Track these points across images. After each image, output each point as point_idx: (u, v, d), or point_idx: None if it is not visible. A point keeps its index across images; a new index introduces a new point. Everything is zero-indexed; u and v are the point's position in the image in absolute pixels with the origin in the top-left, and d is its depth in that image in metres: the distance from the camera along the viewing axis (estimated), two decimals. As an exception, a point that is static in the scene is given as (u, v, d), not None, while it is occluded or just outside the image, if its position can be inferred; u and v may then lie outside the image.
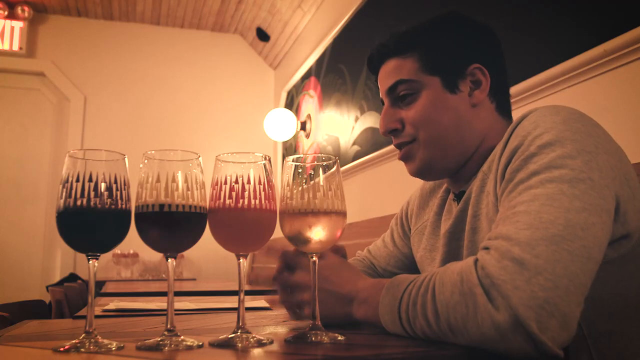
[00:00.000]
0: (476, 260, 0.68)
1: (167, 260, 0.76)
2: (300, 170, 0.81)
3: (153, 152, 0.76)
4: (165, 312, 0.76)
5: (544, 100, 1.64)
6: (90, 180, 0.72)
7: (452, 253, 0.98)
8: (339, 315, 0.88)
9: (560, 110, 0.81)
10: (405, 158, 1.04)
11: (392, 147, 2.63)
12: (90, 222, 0.72)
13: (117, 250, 4.36)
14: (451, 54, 1.00)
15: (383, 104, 1.06)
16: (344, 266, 0.92)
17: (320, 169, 0.80)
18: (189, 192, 0.75)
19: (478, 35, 1.03)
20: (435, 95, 0.98)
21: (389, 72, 1.03)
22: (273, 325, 0.99)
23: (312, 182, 0.79)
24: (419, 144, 1.00)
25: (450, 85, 0.98)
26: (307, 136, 4.12)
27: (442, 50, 1.00)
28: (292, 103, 4.64)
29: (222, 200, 0.76)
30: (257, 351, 0.70)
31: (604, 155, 0.76)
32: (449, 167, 1.01)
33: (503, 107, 1.02)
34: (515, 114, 1.04)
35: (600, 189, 0.72)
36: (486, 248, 0.70)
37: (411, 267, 1.21)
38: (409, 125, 1.00)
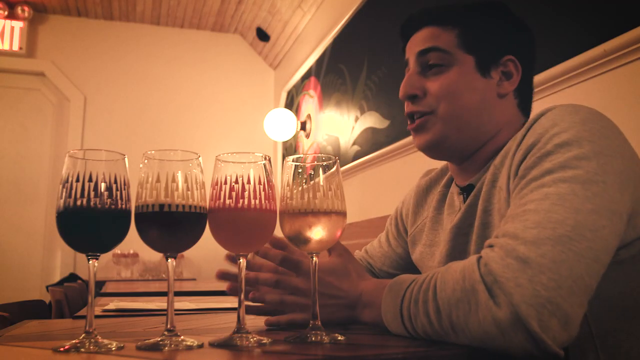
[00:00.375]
0: (479, 258, 0.68)
1: (167, 260, 0.76)
2: (300, 170, 0.81)
3: (153, 152, 0.75)
4: (165, 312, 0.76)
5: (544, 100, 1.64)
6: (90, 180, 0.72)
7: (459, 248, 0.96)
8: (342, 320, 0.89)
9: (580, 109, 0.81)
10: (418, 129, 1.00)
11: (392, 147, 2.63)
12: (90, 222, 0.72)
13: (117, 250, 4.36)
14: (491, 38, 0.99)
15: (406, 66, 1.04)
16: (346, 269, 0.91)
17: (320, 169, 0.80)
18: (189, 192, 0.75)
19: (518, 31, 1.02)
20: (465, 73, 0.97)
21: (425, 38, 1.00)
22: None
23: (312, 182, 0.79)
24: (436, 117, 0.97)
25: (482, 68, 0.97)
26: (307, 136, 4.12)
27: (483, 32, 0.99)
28: (292, 103, 4.64)
29: (222, 200, 0.76)
30: (257, 351, 0.70)
31: (619, 158, 0.75)
32: (459, 148, 0.99)
33: (525, 105, 1.02)
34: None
35: (613, 192, 0.71)
36: (490, 246, 0.70)
37: (406, 267, 1.20)
38: (432, 96, 0.97)
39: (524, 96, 1.02)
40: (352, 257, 0.94)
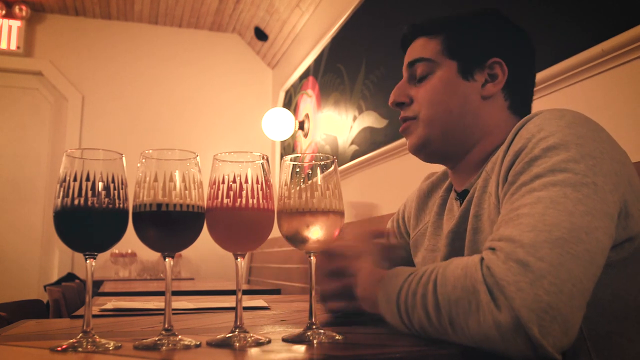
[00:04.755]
0: (482, 259, 0.68)
1: (164, 259, 0.76)
2: (298, 170, 0.81)
3: (151, 151, 0.75)
4: (163, 312, 0.76)
5: (543, 99, 1.64)
6: (87, 179, 0.72)
7: (455, 253, 0.97)
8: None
9: (565, 113, 0.81)
10: (404, 132, 1.06)
11: (390, 146, 2.63)
12: (87, 221, 0.72)
13: (115, 249, 4.35)
14: (474, 42, 1.01)
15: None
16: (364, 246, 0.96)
17: (318, 168, 0.80)
18: (187, 192, 0.75)
19: (508, 33, 1.03)
20: (447, 78, 1.00)
21: (415, 49, 1.05)
22: (271, 324, 0.99)
23: (310, 182, 0.79)
24: (418, 121, 1.02)
25: (465, 72, 1.00)
26: (305, 136, 4.11)
27: (466, 37, 1.02)
28: (290, 102, 4.64)
29: (219, 199, 0.76)
30: (254, 351, 0.70)
31: (608, 160, 0.75)
32: (445, 150, 1.02)
33: (518, 107, 1.02)
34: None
35: (603, 193, 0.72)
36: (492, 249, 0.69)
37: None
38: (417, 102, 1.02)
39: (517, 97, 1.02)
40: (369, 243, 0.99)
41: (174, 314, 0.87)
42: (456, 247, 0.98)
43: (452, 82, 1.00)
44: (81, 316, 0.97)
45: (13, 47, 4.62)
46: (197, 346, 0.72)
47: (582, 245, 0.66)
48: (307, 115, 4.11)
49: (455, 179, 1.06)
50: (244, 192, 0.76)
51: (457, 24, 1.04)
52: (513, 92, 1.01)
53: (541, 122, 0.81)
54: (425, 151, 1.04)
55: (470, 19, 1.05)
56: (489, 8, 1.06)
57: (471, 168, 1.01)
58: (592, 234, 0.68)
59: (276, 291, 2.98)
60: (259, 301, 1.53)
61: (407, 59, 1.06)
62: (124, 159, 0.76)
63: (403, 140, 2.49)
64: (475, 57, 1.00)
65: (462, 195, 1.02)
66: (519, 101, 1.03)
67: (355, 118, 3.14)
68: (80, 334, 0.71)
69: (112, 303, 1.46)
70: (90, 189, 0.72)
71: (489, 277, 0.65)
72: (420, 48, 1.04)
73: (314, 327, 0.78)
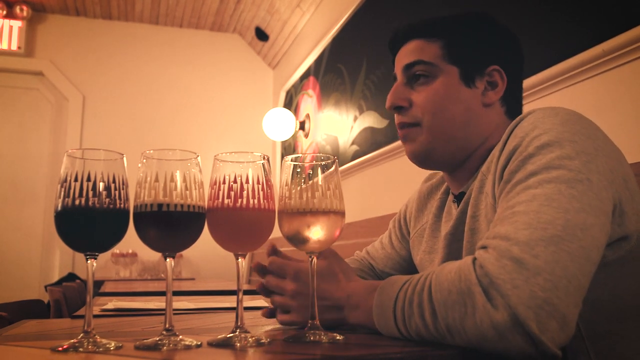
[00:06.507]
0: (474, 259, 0.68)
1: (165, 259, 0.76)
2: (298, 170, 0.81)
3: (151, 151, 0.76)
4: (163, 312, 0.76)
5: (542, 99, 1.64)
6: (88, 179, 0.72)
7: (453, 255, 0.98)
8: (330, 321, 0.87)
9: (559, 111, 0.81)
10: (405, 138, 1.02)
11: (390, 146, 2.63)
12: (88, 221, 0.72)
13: (116, 249, 4.35)
14: (476, 49, 1.00)
15: (395, 80, 1.05)
16: (332, 271, 0.90)
17: (319, 168, 0.80)
18: (188, 192, 0.75)
19: (504, 40, 1.03)
20: (450, 84, 0.98)
21: (411, 51, 1.02)
22: (271, 324, 0.99)
23: (310, 182, 0.79)
24: (422, 129, 0.99)
25: (467, 79, 0.98)
26: (306, 136, 4.12)
27: (467, 43, 1.00)
28: (291, 103, 4.64)
29: (220, 199, 0.76)
30: (255, 351, 0.70)
31: (602, 157, 0.76)
32: (447, 159, 1.00)
33: (513, 112, 1.03)
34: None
35: (598, 190, 0.72)
36: (484, 247, 0.69)
37: (409, 269, 1.20)
38: (417, 107, 0.99)
39: (512, 104, 1.02)
40: (339, 260, 0.94)
41: (174, 314, 0.87)
42: (454, 248, 0.98)
43: (454, 88, 0.98)
44: (82, 316, 0.97)
45: (14, 47, 4.63)
46: (198, 346, 0.72)
47: (577, 242, 0.66)
48: (307, 116, 4.11)
49: (452, 183, 1.05)
50: (244, 193, 0.76)
51: (458, 28, 1.02)
52: (509, 98, 1.01)
53: (535, 120, 0.81)
54: (427, 159, 1.01)
55: (470, 24, 1.03)
56: (485, 14, 1.04)
57: (469, 172, 1.01)
58: (587, 231, 0.68)
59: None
60: (259, 301, 1.53)
61: (403, 60, 1.03)
62: (124, 159, 0.76)
63: (404, 140, 2.49)
64: (476, 64, 0.99)
65: (459, 198, 1.02)
66: (514, 106, 1.03)
67: (356, 118, 3.14)
68: (81, 334, 0.71)
69: (113, 303, 1.47)
70: (91, 189, 0.72)
71: (483, 277, 0.65)
72: (417, 50, 1.01)
73: (315, 327, 0.78)
